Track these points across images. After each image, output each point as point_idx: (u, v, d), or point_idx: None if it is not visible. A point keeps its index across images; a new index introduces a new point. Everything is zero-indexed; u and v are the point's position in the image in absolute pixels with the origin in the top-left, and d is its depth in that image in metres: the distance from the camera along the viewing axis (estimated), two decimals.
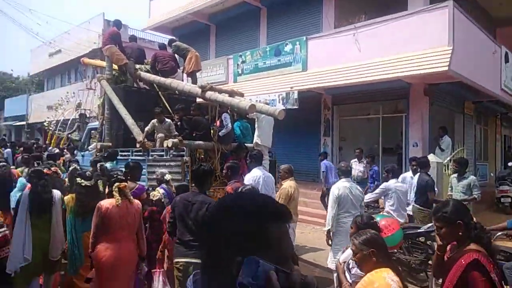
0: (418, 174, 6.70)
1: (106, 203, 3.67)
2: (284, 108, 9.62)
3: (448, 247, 2.44)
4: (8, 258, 3.94)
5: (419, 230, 5.45)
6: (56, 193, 4.29)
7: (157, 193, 4.87)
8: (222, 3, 13.80)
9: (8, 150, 12.50)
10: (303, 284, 0.73)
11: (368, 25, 9.56)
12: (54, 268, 4.28)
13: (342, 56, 9.94)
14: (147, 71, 8.60)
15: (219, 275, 0.82)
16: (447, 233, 2.32)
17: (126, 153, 7.20)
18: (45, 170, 4.85)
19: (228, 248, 0.81)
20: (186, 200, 3.75)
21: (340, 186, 4.93)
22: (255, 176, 5.32)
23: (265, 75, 12.14)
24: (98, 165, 5.96)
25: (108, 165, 6.23)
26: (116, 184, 3.70)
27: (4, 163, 7.04)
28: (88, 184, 4.10)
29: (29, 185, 4.86)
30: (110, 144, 7.78)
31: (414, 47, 8.45)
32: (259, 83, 12.00)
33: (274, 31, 13.21)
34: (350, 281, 2.87)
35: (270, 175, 5.76)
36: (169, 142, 6.21)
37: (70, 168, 5.96)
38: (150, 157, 6.60)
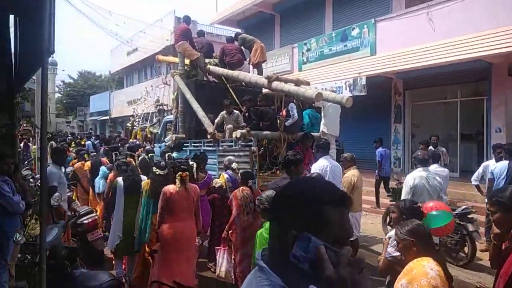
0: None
1: (169, 188, 4.15)
2: (352, 95, 9.39)
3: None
4: (109, 238, 4.73)
5: (454, 212, 5.06)
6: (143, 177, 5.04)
7: (220, 180, 5.17)
8: None
9: (89, 142, 14.25)
10: (350, 261, 0.79)
11: (443, 2, 8.90)
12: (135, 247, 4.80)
13: (415, 38, 9.39)
14: (216, 65, 8.92)
15: (279, 248, 0.93)
16: (501, 219, 2.21)
17: (198, 144, 7.59)
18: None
19: (288, 224, 0.91)
20: (275, 184, 4.27)
21: (415, 176, 4.76)
22: (321, 166, 5.27)
23: (331, 62, 11.91)
24: (166, 155, 6.68)
25: (174, 155, 6.79)
26: (179, 173, 4.14)
27: (94, 153, 8.09)
28: (161, 173, 4.55)
29: (111, 173, 5.52)
30: (184, 135, 8.25)
31: (495, 23, 7.70)
32: (324, 71, 11.81)
33: (340, 16, 12.86)
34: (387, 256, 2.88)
35: (337, 164, 5.69)
36: (237, 133, 6.43)
37: (140, 158, 6.63)
38: (220, 148, 6.89)
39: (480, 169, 6.59)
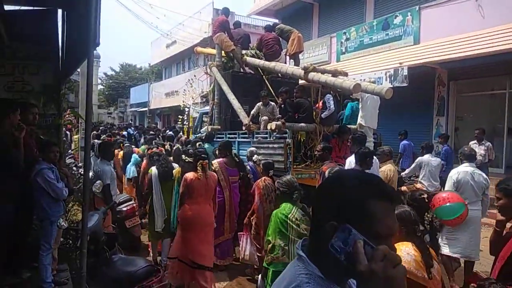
0: None
1: (190, 175, 4.41)
2: (392, 86, 9.07)
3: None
4: (156, 219, 5.10)
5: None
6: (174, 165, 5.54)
7: (214, 166, 5.41)
8: None
9: (125, 132, 15.33)
10: (385, 257, 0.78)
11: None
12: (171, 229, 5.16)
13: (462, 25, 8.91)
14: (252, 56, 8.91)
15: (318, 238, 0.94)
16: (505, 205, 2.27)
17: (233, 135, 7.66)
18: (153, 149, 6.36)
19: (330, 214, 0.91)
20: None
21: (460, 171, 4.70)
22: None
23: (370, 51, 11.56)
24: (197, 144, 7.06)
25: (206, 146, 7.01)
26: (200, 161, 4.44)
27: (128, 144, 8.53)
28: (190, 160, 4.90)
29: (144, 161, 6.03)
30: (219, 127, 8.35)
31: None
32: (363, 61, 11.48)
33: (382, 3, 12.41)
34: None
35: (375, 158, 5.56)
36: (272, 125, 6.41)
37: (174, 148, 7.17)
38: (255, 139, 6.91)
39: None
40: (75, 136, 11.53)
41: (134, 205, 5.81)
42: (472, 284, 3.49)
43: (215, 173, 4.91)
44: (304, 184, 5.20)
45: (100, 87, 43.11)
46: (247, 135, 7.19)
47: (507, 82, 9.27)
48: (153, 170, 5.25)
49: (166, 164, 5.37)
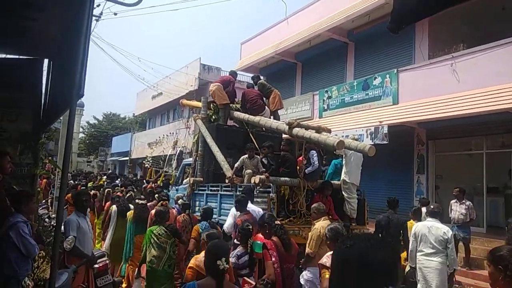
0: None
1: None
2: (373, 143, 9.25)
3: None
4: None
5: None
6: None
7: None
8: (309, 41, 14.14)
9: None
10: None
11: (468, 54, 8.93)
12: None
13: (438, 88, 9.35)
14: (237, 110, 9.05)
15: None
16: (490, 273, 2.32)
17: (215, 188, 7.52)
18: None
19: (373, 283, 1.07)
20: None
21: (419, 224, 5.31)
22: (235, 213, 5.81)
23: (351, 109, 11.92)
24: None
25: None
26: (161, 202, 6.10)
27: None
28: (142, 202, 6.38)
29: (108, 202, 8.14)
30: (202, 179, 8.21)
31: None
32: (345, 118, 11.79)
33: (361, 65, 13.04)
34: None
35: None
36: (256, 179, 6.33)
37: (127, 195, 7.91)
38: (238, 193, 6.78)
39: None
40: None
41: (108, 261, 5.46)
42: None
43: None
44: None
45: (81, 135, 42.68)
46: (230, 188, 7.06)
47: (483, 143, 9.60)
48: (114, 208, 6.90)
49: (124, 204, 7.00)
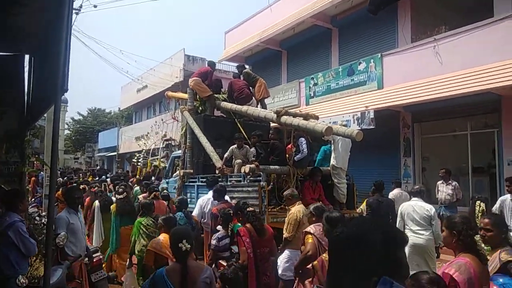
0: None
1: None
2: (360, 128, 9.36)
3: None
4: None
5: None
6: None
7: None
8: (293, 29, 14.09)
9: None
10: None
11: (450, 36, 9.02)
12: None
13: (422, 71, 9.45)
14: (224, 100, 9.03)
15: None
16: (444, 237, 2.73)
17: (206, 179, 7.53)
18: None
19: (367, 269, 0.98)
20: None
21: (404, 204, 5.60)
22: (204, 199, 6.32)
23: (338, 95, 11.98)
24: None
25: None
26: (154, 193, 6.60)
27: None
28: (121, 197, 6.46)
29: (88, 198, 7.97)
30: (192, 171, 8.21)
31: (505, 55, 7.73)
32: (332, 104, 11.86)
33: (346, 51, 13.08)
34: None
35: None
36: (246, 168, 6.37)
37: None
38: (229, 183, 6.81)
39: (497, 204, 6.39)
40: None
41: (101, 256, 5.46)
42: None
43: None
44: (281, 229, 5.11)
45: (66, 132, 42.03)
46: (220, 179, 7.08)
47: (467, 124, 9.78)
48: (96, 203, 6.97)
49: (106, 198, 7.16)
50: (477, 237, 2.74)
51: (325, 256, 3.09)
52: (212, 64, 10.07)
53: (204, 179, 7.56)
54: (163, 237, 4.06)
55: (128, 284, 5.23)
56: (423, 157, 10.92)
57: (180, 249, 2.76)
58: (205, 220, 6.15)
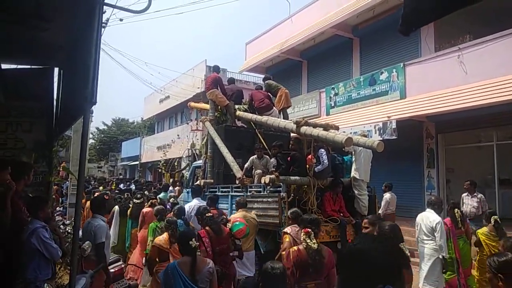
0: None
1: (146, 209, 6.87)
2: (381, 138, 9.24)
3: None
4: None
5: None
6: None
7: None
8: (313, 39, 14.13)
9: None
10: None
11: (475, 45, 8.86)
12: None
13: (446, 80, 9.30)
14: (245, 110, 9.08)
15: None
16: (489, 278, 2.49)
17: (226, 189, 7.56)
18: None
19: (372, 278, 1.12)
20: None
21: (420, 214, 5.77)
22: (191, 205, 6.69)
23: (359, 105, 11.89)
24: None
25: (161, 195, 9.72)
26: (151, 200, 7.16)
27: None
28: (138, 202, 7.30)
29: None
30: (212, 180, 8.26)
31: None
32: (353, 114, 11.77)
33: (367, 61, 13.00)
34: None
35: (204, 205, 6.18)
36: (266, 178, 6.36)
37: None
38: (249, 193, 6.82)
39: None
40: None
41: (123, 265, 5.55)
42: None
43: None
44: None
45: (91, 141, 43.12)
46: (240, 189, 7.10)
47: (494, 134, 9.51)
48: (116, 208, 7.69)
49: (124, 205, 7.85)
50: None
51: (292, 249, 3.69)
52: (216, 69, 10.00)
53: (225, 189, 7.61)
54: (166, 235, 4.81)
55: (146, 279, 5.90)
56: (447, 168, 10.65)
57: (190, 246, 3.47)
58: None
